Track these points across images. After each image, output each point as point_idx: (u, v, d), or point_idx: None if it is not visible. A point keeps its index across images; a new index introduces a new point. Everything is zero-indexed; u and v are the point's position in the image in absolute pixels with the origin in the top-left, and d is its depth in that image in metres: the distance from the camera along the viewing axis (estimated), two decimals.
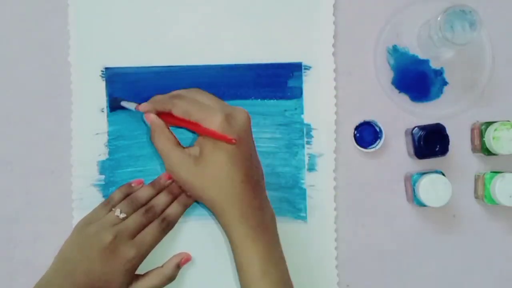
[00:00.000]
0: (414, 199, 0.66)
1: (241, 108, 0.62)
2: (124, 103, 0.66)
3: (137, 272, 0.63)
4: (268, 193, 0.66)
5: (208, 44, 0.68)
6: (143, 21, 0.68)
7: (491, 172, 0.67)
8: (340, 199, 0.68)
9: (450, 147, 0.66)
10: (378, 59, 0.69)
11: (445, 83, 0.68)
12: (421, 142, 0.66)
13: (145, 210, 0.64)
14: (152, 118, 0.62)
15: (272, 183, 0.67)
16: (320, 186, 0.68)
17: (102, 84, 0.68)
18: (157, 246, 0.64)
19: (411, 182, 0.67)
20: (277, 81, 0.68)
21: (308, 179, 0.68)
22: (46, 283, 0.61)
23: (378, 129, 0.68)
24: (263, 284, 0.59)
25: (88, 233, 0.62)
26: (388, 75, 0.69)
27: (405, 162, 0.69)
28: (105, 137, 0.67)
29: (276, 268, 0.60)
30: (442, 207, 0.64)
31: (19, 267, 0.67)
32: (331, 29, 0.68)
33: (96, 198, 0.67)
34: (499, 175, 0.65)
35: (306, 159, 0.68)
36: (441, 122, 0.67)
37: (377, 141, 0.68)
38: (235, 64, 0.68)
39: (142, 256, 0.62)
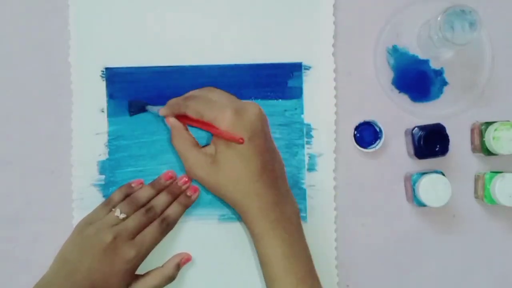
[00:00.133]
0: (414, 199, 0.66)
1: (252, 102, 0.62)
2: (149, 108, 0.66)
3: (137, 272, 0.63)
4: None
5: (208, 44, 0.68)
6: (143, 21, 0.68)
7: (491, 172, 0.67)
8: (340, 199, 0.68)
9: (450, 147, 0.66)
10: (378, 59, 0.69)
11: (445, 83, 0.68)
12: (421, 142, 0.66)
13: (145, 210, 0.64)
14: (171, 121, 0.64)
15: None
16: (320, 186, 0.68)
17: (102, 84, 0.68)
18: (157, 246, 0.64)
19: (411, 182, 0.67)
20: (277, 81, 0.68)
21: (308, 179, 0.68)
22: (46, 283, 0.61)
23: (378, 129, 0.68)
24: (287, 279, 0.59)
25: (88, 234, 0.62)
26: (388, 75, 0.69)
27: (405, 162, 0.69)
28: (105, 137, 0.68)
29: (300, 262, 0.60)
30: (442, 207, 0.64)
31: (19, 267, 0.67)
32: (331, 29, 0.68)
33: (96, 198, 0.67)
34: (499, 175, 0.65)
35: (306, 159, 0.68)
36: (441, 122, 0.67)
37: (377, 141, 0.68)
38: (235, 64, 0.68)
39: (142, 256, 0.62)
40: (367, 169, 0.68)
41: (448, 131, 0.66)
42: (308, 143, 0.68)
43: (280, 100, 0.68)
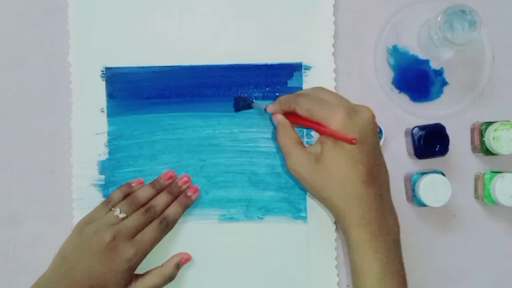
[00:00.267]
0: (414, 199, 0.66)
1: (365, 106, 0.59)
2: (255, 105, 0.66)
3: (137, 271, 0.63)
4: (268, 193, 0.66)
5: (208, 44, 0.68)
6: (143, 21, 0.68)
7: (491, 172, 0.67)
8: None
9: (450, 147, 0.66)
10: (378, 59, 0.69)
11: (445, 83, 0.68)
12: (421, 142, 0.66)
13: (145, 210, 0.63)
14: (279, 118, 0.62)
15: (272, 183, 0.67)
16: None
17: (102, 84, 0.68)
18: (157, 246, 0.64)
19: (411, 182, 0.67)
20: (277, 81, 0.68)
21: None
22: (45, 282, 0.61)
23: (378, 129, 0.67)
24: None
25: (88, 233, 0.62)
26: (388, 75, 0.69)
27: (405, 162, 0.69)
28: (105, 137, 0.67)
29: (394, 277, 0.58)
30: (442, 207, 0.64)
31: (19, 267, 0.67)
32: (331, 29, 0.68)
33: (96, 198, 0.67)
34: (499, 175, 0.65)
35: None
36: (441, 122, 0.67)
37: None
38: (235, 64, 0.68)
39: (141, 256, 0.62)
40: None
41: (448, 131, 0.66)
42: (308, 143, 0.68)
43: None
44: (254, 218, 0.67)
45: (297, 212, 0.67)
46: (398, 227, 0.60)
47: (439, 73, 0.68)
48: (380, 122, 0.67)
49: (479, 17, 0.62)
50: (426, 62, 0.69)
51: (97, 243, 0.61)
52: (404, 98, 0.69)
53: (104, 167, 0.67)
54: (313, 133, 0.68)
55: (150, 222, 0.63)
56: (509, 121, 0.65)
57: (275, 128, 0.64)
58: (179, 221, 0.66)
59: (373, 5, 0.69)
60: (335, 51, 0.68)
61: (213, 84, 0.67)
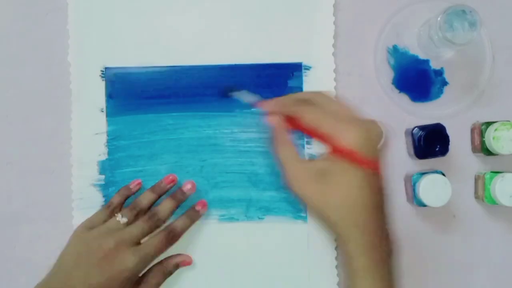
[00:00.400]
0: (414, 199, 0.66)
1: (374, 120, 0.56)
2: (239, 94, 0.63)
3: None
4: (268, 193, 0.66)
5: (208, 44, 0.68)
6: (143, 21, 0.68)
7: (491, 172, 0.67)
8: None
9: (450, 147, 0.66)
10: (378, 59, 0.69)
11: (445, 83, 0.68)
12: (421, 142, 0.66)
13: (148, 216, 0.62)
14: (276, 121, 0.59)
15: (271, 184, 0.67)
16: None
17: (102, 84, 0.68)
18: None
19: (411, 182, 0.67)
20: (277, 81, 0.68)
21: None
22: (43, 286, 0.60)
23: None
24: None
25: (88, 239, 0.61)
26: (388, 75, 0.69)
27: (405, 162, 0.69)
28: (104, 137, 0.67)
29: None
30: (442, 207, 0.64)
31: (19, 267, 0.67)
32: (331, 29, 0.68)
33: (96, 198, 0.67)
34: (499, 175, 0.65)
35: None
36: (441, 122, 0.67)
37: None
38: (235, 64, 0.68)
39: (144, 265, 0.61)
40: None
41: (448, 131, 0.66)
42: (308, 143, 0.68)
43: None
44: (254, 218, 0.67)
45: (297, 212, 0.67)
46: (393, 250, 0.57)
47: (439, 73, 0.68)
48: (380, 122, 0.67)
49: (479, 17, 0.62)
50: (426, 62, 0.68)
51: (98, 249, 0.59)
52: (404, 98, 0.69)
53: (103, 167, 0.67)
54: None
55: (154, 229, 0.62)
56: (509, 121, 0.65)
57: (265, 128, 0.61)
58: None
59: (373, 5, 0.69)
60: (335, 51, 0.68)
61: (213, 84, 0.67)
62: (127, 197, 0.65)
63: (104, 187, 0.67)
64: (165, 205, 0.64)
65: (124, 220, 0.62)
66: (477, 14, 0.62)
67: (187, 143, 0.67)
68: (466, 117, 0.69)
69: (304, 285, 0.67)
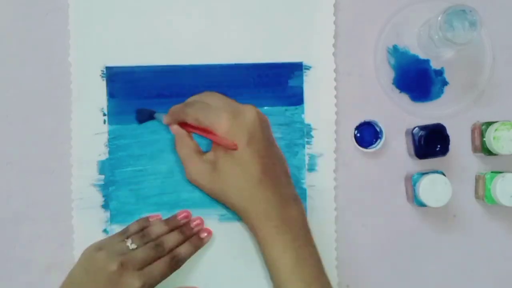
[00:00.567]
0: (415, 199, 0.66)
1: (250, 105, 0.61)
2: (157, 115, 0.67)
3: None
4: None
5: (208, 44, 0.68)
6: (143, 20, 0.68)
7: (491, 172, 0.67)
8: (340, 199, 0.68)
9: (450, 147, 0.66)
10: (378, 59, 0.69)
11: (445, 83, 0.68)
12: (422, 142, 0.66)
13: (155, 244, 0.63)
14: (174, 128, 0.65)
15: None
16: (320, 186, 0.68)
17: (102, 83, 0.68)
18: None
19: (411, 182, 0.67)
20: (278, 80, 0.68)
21: (308, 179, 0.68)
22: None
23: (378, 129, 0.67)
24: (295, 285, 0.59)
25: (96, 259, 0.61)
26: (388, 75, 0.69)
27: (405, 162, 0.69)
28: (105, 137, 0.67)
29: (308, 267, 0.60)
30: (442, 207, 0.64)
31: (19, 267, 0.67)
32: (331, 29, 0.68)
33: (96, 198, 0.67)
34: (499, 175, 0.65)
35: (306, 159, 0.68)
36: (442, 122, 0.67)
37: (378, 141, 0.67)
38: (235, 64, 0.68)
39: None
40: (367, 169, 0.68)
41: (449, 131, 0.66)
42: (308, 143, 0.68)
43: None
44: None
45: None
46: (304, 215, 0.62)
47: (439, 73, 0.68)
48: (381, 122, 0.67)
49: (479, 17, 0.62)
50: (427, 62, 0.69)
51: (104, 270, 0.60)
52: (404, 98, 0.69)
53: (103, 166, 0.67)
54: (313, 132, 0.68)
55: (158, 257, 0.63)
56: (509, 121, 0.65)
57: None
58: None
59: (373, 5, 0.69)
60: (335, 51, 0.68)
61: (214, 84, 0.67)
62: (143, 229, 0.65)
63: (104, 187, 0.67)
64: (172, 237, 0.65)
65: (133, 246, 0.62)
66: (477, 14, 0.62)
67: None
68: (466, 117, 0.69)
69: None
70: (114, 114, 0.67)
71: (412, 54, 0.69)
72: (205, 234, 0.66)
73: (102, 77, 0.68)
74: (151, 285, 0.61)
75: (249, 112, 0.60)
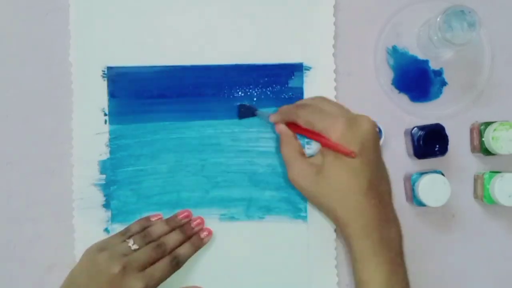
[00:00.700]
0: (414, 199, 0.66)
1: (366, 116, 0.60)
2: (259, 113, 0.67)
3: None
4: (269, 192, 0.66)
5: (208, 44, 0.68)
6: (144, 20, 0.68)
7: (490, 172, 0.67)
8: None
9: (449, 147, 0.66)
10: (378, 59, 0.69)
11: (444, 83, 0.69)
12: (421, 142, 0.66)
13: (156, 245, 0.63)
14: (281, 128, 0.64)
15: (272, 183, 0.68)
16: None
17: (103, 83, 0.68)
18: None
19: (410, 182, 0.67)
20: (278, 81, 0.68)
21: None
22: None
23: (377, 129, 0.68)
24: None
25: (98, 260, 0.61)
26: (388, 75, 0.69)
27: (405, 162, 0.69)
28: (106, 137, 0.67)
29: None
30: (441, 207, 0.65)
31: (19, 267, 0.67)
32: (331, 30, 0.68)
33: (96, 198, 0.67)
34: (498, 175, 0.65)
35: None
36: (441, 122, 0.67)
37: None
38: (236, 64, 0.68)
39: None
40: None
41: (448, 131, 0.66)
42: (308, 143, 0.68)
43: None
44: (254, 218, 0.67)
45: (297, 212, 0.68)
46: (401, 238, 0.60)
47: (438, 73, 0.69)
48: (380, 122, 0.67)
49: (479, 17, 0.62)
50: (426, 62, 0.69)
51: (106, 272, 0.60)
52: (403, 98, 0.69)
53: (104, 166, 0.67)
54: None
55: (159, 257, 0.63)
56: (508, 121, 0.65)
57: (278, 137, 0.65)
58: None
59: (373, 5, 0.69)
60: (335, 51, 0.68)
61: (214, 84, 0.68)
62: (145, 228, 0.65)
63: (105, 187, 0.67)
64: (173, 236, 0.65)
65: (135, 247, 0.62)
66: (476, 15, 0.62)
67: (188, 143, 0.67)
68: (465, 117, 0.69)
69: (304, 284, 0.67)
70: (115, 114, 0.68)
71: (411, 54, 0.69)
72: (206, 233, 0.67)
73: (103, 77, 0.68)
74: (153, 286, 0.61)
75: (365, 122, 0.59)
